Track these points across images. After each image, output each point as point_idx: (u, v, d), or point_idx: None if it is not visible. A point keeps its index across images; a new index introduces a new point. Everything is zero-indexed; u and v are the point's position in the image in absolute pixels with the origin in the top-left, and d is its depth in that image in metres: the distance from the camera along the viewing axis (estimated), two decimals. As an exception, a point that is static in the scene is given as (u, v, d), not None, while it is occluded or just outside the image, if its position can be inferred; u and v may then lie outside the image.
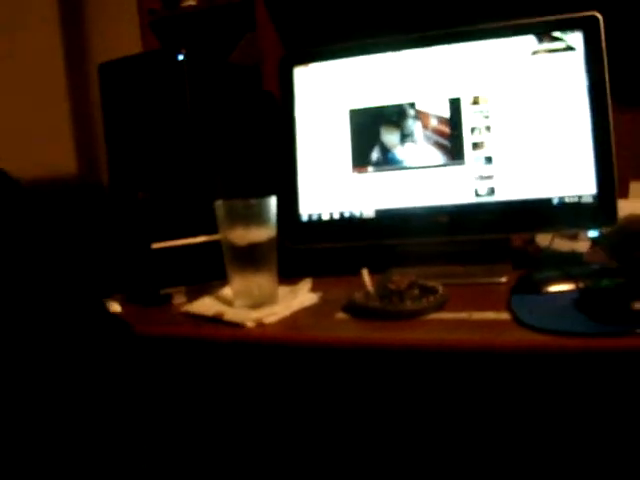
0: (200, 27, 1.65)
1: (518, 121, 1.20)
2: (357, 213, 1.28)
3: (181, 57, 1.27)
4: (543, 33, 1.19)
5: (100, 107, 1.37)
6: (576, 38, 1.17)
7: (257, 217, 1.06)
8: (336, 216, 1.29)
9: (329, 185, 1.30)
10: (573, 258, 1.23)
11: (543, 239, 1.28)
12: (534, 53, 1.20)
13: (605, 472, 0.91)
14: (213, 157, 1.30)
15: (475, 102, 1.22)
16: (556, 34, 1.18)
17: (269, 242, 1.07)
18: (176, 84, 1.27)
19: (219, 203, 1.08)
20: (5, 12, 1.64)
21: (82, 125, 1.96)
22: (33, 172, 1.54)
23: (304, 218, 1.31)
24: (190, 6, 1.57)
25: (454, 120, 1.23)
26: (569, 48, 1.17)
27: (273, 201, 1.07)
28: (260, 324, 1.00)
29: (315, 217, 1.30)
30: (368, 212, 1.27)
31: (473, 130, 1.22)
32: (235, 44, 1.69)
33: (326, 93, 1.31)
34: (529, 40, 1.20)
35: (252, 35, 1.66)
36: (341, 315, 1.01)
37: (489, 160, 1.21)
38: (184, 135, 1.27)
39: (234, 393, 1.05)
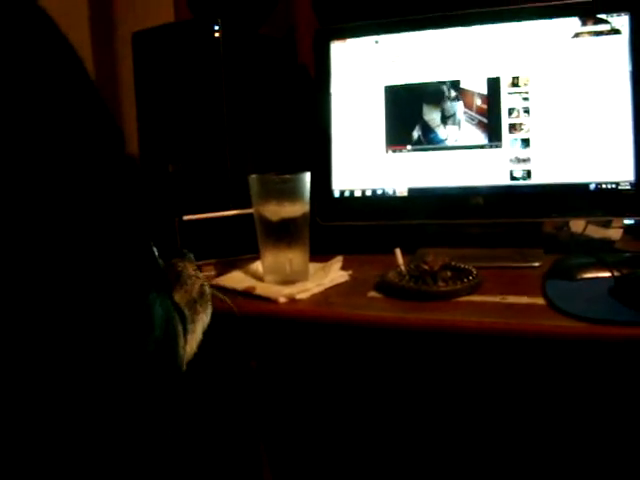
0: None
1: (557, 104, 1.18)
2: (390, 191, 1.26)
3: (217, 27, 1.25)
4: (587, 15, 1.16)
5: (126, 77, 1.36)
6: (622, 21, 1.14)
7: (291, 192, 1.05)
8: (368, 193, 1.28)
9: (362, 162, 1.28)
10: (605, 245, 1.21)
11: (576, 225, 1.27)
12: (576, 35, 1.17)
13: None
14: (245, 130, 1.29)
15: (514, 83, 1.20)
16: (601, 16, 1.16)
17: (302, 218, 1.06)
18: (211, 54, 1.26)
19: (253, 177, 1.07)
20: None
21: (107, 96, 1.94)
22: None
23: (336, 194, 1.30)
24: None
25: (492, 101, 1.21)
26: (614, 31, 1.15)
27: (307, 177, 1.06)
28: (292, 300, 1.00)
29: (347, 194, 1.29)
30: (401, 190, 1.26)
31: (511, 112, 1.20)
32: (265, 16, 1.67)
33: (362, 69, 1.29)
34: (572, 22, 1.17)
35: (282, 7, 1.64)
36: (373, 294, 1.01)
37: (526, 143, 1.19)
38: (217, 107, 1.26)
39: (261, 368, 1.05)
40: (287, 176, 1.05)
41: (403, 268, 1.04)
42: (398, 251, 1.08)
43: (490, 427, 1.03)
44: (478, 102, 1.22)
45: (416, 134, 1.25)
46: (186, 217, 1.17)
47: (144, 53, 1.33)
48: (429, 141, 1.24)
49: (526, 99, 1.19)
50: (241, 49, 1.31)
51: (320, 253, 1.15)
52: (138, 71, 1.34)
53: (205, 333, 1.06)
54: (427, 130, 1.24)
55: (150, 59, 1.32)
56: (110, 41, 1.93)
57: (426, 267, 1.02)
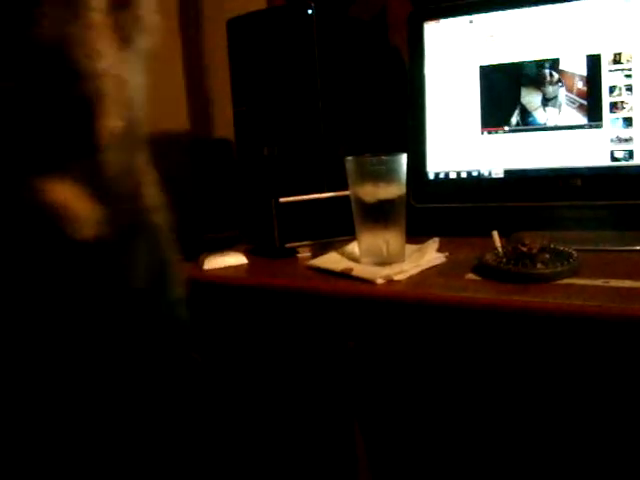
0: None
1: (663, 81, 1.13)
2: (485, 173, 1.25)
3: (310, 11, 1.26)
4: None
5: (220, 63, 1.39)
6: None
7: (387, 174, 1.05)
8: (463, 175, 1.26)
9: (457, 144, 1.27)
10: None
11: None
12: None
13: None
14: (339, 112, 1.30)
15: (616, 60, 1.16)
16: None
17: (399, 199, 1.06)
18: (305, 38, 1.26)
19: (349, 159, 1.07)
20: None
21: (195, 81, 2.00)
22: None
23: (430, 176, 1.29)
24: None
25: (592, 79, 1.18)
26: None
27: (404, 158, 1.06)
28: (390, 281, 1.00)
29: (442, 176, 1.28)
30: (497, 172, 1.24)
31: (612, 90, 1.16)
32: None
33: (457, 49, 1.27)
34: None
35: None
36: (471, 276, 1.00)
37: (629, 122, 1.15)
38: (310, 90, 1.27)
39: (358, 349, 1.06)
40: (383, 157, 1.05)
41: (500, 250, 1.03)
42: (495, 233, 1.07)
43: (589, 416, 1.01)
44: (579, 84, 1.18)
45: (513, 116, 1.22)
46: (282, 199, 1.19)
47: (239, 39, 1.35)
48: (526, 123, 1.22)
49: (629, 76, 1.15)
50: (334, 32, 1.31)
51: (415, 235, 1.15)
52: (233, 56, 1.36)
53: (304, 313, 1.08)
54: (525, 112, 1.22)
55: (245, 44, 1.34)
56: (198, 27, 1.98)
57: (524, 249, 1.00)
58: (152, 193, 0.61)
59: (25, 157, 0.50)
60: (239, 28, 1.35)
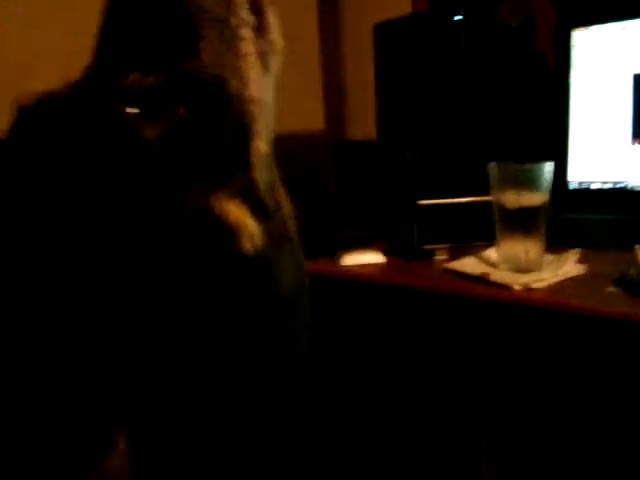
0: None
1: None
2: (631, 185, 1.22)
3: (458, 17, 1.28)
4: None
5: (367, 65, 1.43)
6: None
7: (531, 182, 1.05)
8: (608, 186, 1.24)
9: (604, 153, 1.25)
10: None
11: None
12: None
13: None
14: (482, 118, 1.31)
15: None
16: None
17: (541, 208, 1.06)
18: (452, 44, 1.29)
19: (493, 165, 1.08)
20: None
21: (335, 82, 2.05)
22: (286, 126, 1.64)
23: (573, 186, 1.27)
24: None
25: None
26: None
27: (549, 167, 1.06)
28: (528, 288, 1.01)
29: (585, 185, 1.26)
30: (644, 184, 1.21)
31: None
32: (499, 3, 1.66)
33: (607, 57, 1.25)
34: None
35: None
36: (612, 289, 0.99)
37: None
38: (455, 95, 1.29)
39: (487, 354, 1.07)
40: (528, 165, 1.05)
41: (644, 265, 1.01)
42: (639, 247, 1.05)
43: None
44: None
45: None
46: (422, 202, 1.21)
47: (385, 43, 1.39)
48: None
49: None
50: (480, 37, 1.32)
51: (553, 244, 1.14)
52: (379, 60, 1.40)
53: (440, 315, 1.11)
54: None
55: (391, 48, 1.38)
56: (334, 28, 2.03)
57: (669, 265, 0.98)
58: (286, 206, 0.67)
59: (200, 174, 0.59)
60: (386, 32, 1.39)
